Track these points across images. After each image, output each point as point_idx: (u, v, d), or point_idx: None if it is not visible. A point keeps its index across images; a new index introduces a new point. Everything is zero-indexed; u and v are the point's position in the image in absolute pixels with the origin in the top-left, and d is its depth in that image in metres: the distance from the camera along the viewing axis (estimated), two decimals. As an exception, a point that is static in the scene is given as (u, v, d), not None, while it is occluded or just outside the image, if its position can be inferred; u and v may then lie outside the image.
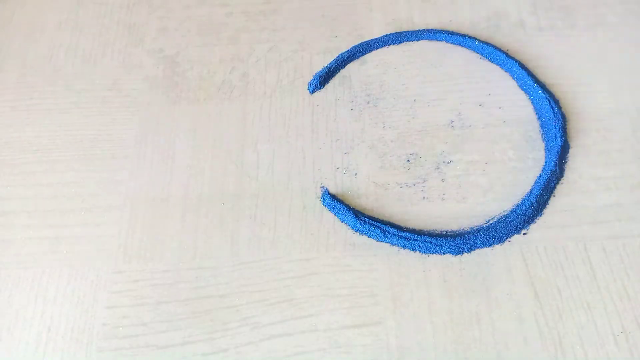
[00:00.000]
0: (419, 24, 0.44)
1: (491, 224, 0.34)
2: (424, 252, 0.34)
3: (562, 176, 0.36)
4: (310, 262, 0.34)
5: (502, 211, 0.35)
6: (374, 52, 0.43)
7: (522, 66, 0.40)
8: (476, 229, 0.34)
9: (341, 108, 0.40)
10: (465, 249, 0.34)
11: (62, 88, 0.43)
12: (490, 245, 0.34)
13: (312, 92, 0.41)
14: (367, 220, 0.34)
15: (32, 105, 0.42)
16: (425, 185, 0.36)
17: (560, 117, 0.38)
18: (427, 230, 0.35)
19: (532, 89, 0.39)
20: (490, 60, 0.42)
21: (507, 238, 0.34)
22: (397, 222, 0.35)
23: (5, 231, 0.36)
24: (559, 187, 0.36)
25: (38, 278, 0.34)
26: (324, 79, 0.41)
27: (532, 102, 0.39)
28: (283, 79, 0.42)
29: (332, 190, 0.36)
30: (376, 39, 0.43)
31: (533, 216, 0.34)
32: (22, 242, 0.36)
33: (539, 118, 0.39)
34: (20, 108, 0.42)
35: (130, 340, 0.32)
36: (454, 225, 0.35)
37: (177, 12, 0.47)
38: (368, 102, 0.40)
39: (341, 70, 0.42)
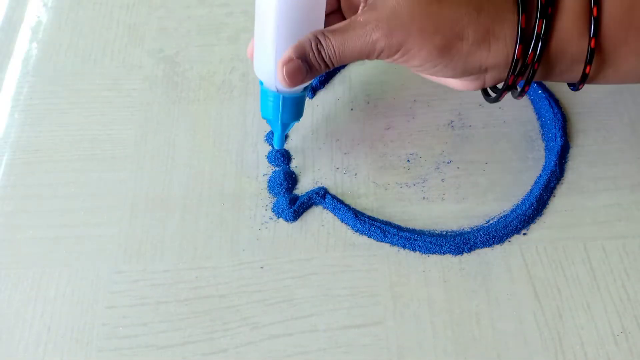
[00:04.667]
0: (419, 24, 0.44)
1: (491, 224, 0.34)
2: (424, 252, 0.34)
3: (562, 176, 0.36)
4: (310, 262, 0.34)
5: (502, 211, 0.35)
6: (374, 52, 0.43)
7: (522, 66, 0.40)
8: (476, 229, 0.34)
9: (341, 108, 0.40)
10: (465, 249, 0.34)
11: (62, 88, 0.43)
12: (490, 245, 0.34)
13: (312, 97, 0.41)
14: (367, 220, 0.34)
15: (32, 105, 0.42)
16: (425, 185, 0.36)
17: (560, 117, 0.38)
18: (427, 230, 0.35)
19: (532, 89, 0.39)
20: (490, 60, 0.42)
21: (507, 238, 0.34)
22: (397, 222, 0.35)
23: (5, 231, 0.36)
24: (559, 187, 0.36)
25: (38, 278, 0.34)
26: (324, 79, 0.41)
27: (532, 102, 0.39)
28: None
29: (332, 190, 0.36)
30: (376, 39, 0.43)
31: (533, 216, 0.34)
32: (22, 242, 0.36)
33: (539, 118, 0.39)
34: (20, 108, 0.42)
35: (130, 340, 0.32)
36: (454, 225, 0.35)
37: (177, 12, 0.47)
38: (368, 102, 0.40)
39: (341, 70, 0.42)
